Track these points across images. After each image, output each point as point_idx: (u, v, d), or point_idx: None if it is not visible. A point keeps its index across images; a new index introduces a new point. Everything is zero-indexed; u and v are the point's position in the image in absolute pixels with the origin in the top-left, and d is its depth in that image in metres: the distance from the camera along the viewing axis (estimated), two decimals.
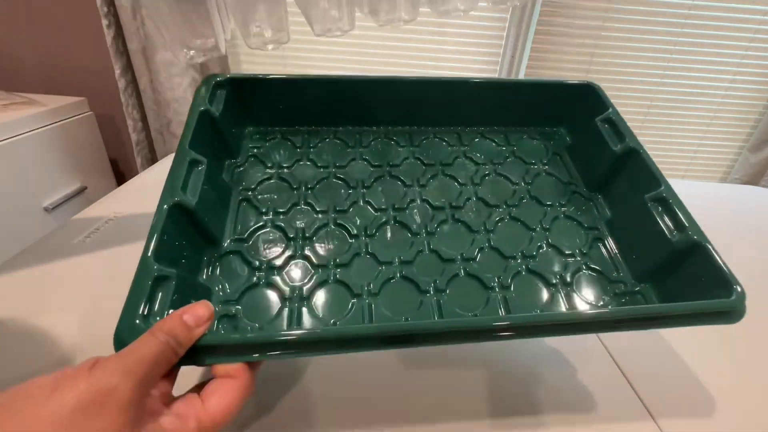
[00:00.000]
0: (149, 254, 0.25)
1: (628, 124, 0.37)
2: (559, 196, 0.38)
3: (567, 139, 0.44)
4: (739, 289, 0.26)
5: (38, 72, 1.12)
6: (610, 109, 0.39)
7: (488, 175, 0.40)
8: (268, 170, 0.38)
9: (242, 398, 0.22)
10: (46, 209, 0.93)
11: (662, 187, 0.32)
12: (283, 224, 0.34)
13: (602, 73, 1.21)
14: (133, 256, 0.43)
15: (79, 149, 1.04)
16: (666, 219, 0.31)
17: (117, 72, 1.03)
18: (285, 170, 0.38)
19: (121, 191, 0.59)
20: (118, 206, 0.54)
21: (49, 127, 0.94)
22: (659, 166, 0.34)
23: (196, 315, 0.22)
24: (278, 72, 0.38)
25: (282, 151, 0.40)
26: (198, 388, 0.23)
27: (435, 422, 0.31)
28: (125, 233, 0.48)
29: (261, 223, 0.34)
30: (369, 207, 0.36)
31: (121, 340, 0.22)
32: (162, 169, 0.70)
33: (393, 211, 0.36)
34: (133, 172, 1.26)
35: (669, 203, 0.31)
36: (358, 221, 0.35)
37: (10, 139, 0.84)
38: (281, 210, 0.35)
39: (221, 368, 0.22)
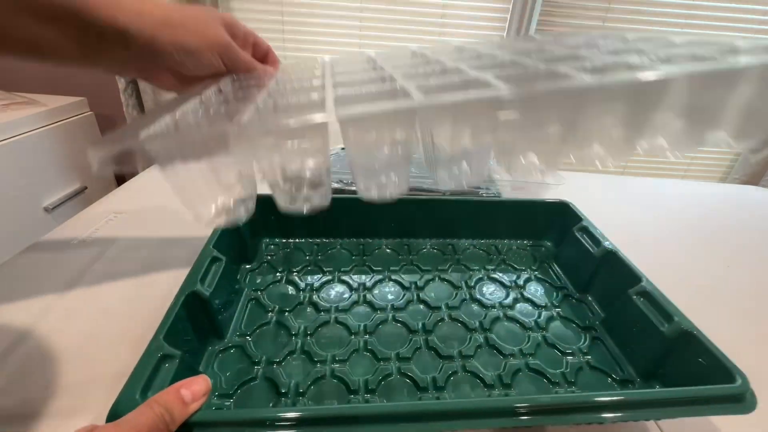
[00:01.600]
0: (161, 336, 0.26)
1: None
2: (552, 299, 0.40)
3: (552, 250, 0.48)
4: (739, 380, 0.25)
5: (38, 72, 1.12)
6: (583, 220, 0.44)
7: (481, 279, 0.43)
8: (279, 273, 0.41)
9: None
10: (46, 209, 0.93)
11: (643, 281, 0.34)
12: (286, 322, 0.35)
13: None
14: (133, 256, 0.43)
15: (79, 149, 1.04)
16: (653, 310, 0.32)
17: None
18: (294, 274, 0.42)
19: (121, 191, 0.59)
20: (118, 206, 0.53)
21: (49, 127, 0.94)
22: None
23: (193, 390, 0.22)
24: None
25: (293, 259, 0.44)
26: None
27: None
28: (125, 233, 0.48)
29: (266, 321, 0.35)
30: (369, 307, 0.38)
31: (116, 415, 0.22)
32: None
33: (392, 310, 0.37)
34: (133, 172, 1.26)
35: (652, 296, 0.33)
36: (358, 319, 0.36)
37: (10, 139, 0.85)
38: (286, 309, 0.37)
39: None
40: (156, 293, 0.38)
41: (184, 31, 0.28)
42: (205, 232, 0.49)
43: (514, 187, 0.57)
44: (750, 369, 0.26)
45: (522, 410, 0.23)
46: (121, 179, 1.28)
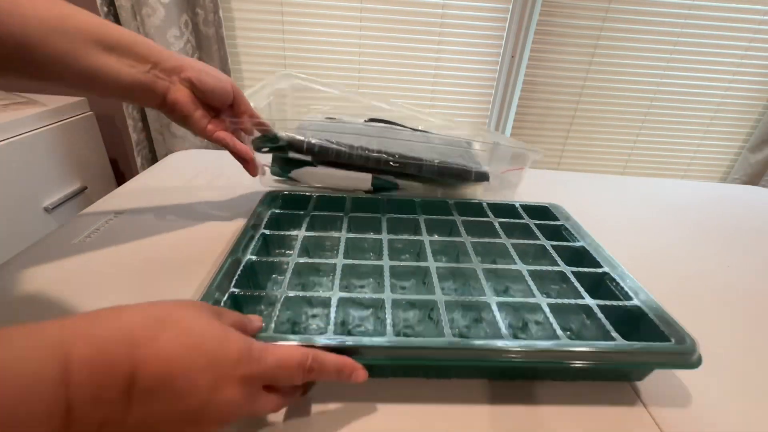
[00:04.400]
0: (213, 285, 0.34)
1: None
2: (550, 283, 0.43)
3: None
4: (688, 340, 0.31)
5: None
6: (561, 220, 0.52)
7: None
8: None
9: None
10: (46, 209, 0.93)
11: (608, 270, 0.41)
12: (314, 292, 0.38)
13: (602, 73, 1.21)
14: (133, 256, 0.43)
15: (79, 149, 1.04)
16: (624, 292, 0.38)
17: None
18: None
19: (121, 191, 0.59)
20: (118, 206, 0.54)
21: (49, 127, 0.94)
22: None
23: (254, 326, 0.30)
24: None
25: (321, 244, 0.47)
26: None
27: None
28: (125, 233, 0.48)
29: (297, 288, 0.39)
30: (380, 279, 0.40)
31: None
32: (162, 169, 0.70)
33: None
34: (133, 172, 1.26)
35: (616, 281, 0.40)
36: (374, 292, 0.39)
37: (10, 139, 0.84)
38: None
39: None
40: (156, 293, 0.38)
41: (215, 71, 0.46)
42: (204, 231, 0.49)
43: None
44: (748, 367, 0.27)
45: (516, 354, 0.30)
46: (121, 179, 1.28)
